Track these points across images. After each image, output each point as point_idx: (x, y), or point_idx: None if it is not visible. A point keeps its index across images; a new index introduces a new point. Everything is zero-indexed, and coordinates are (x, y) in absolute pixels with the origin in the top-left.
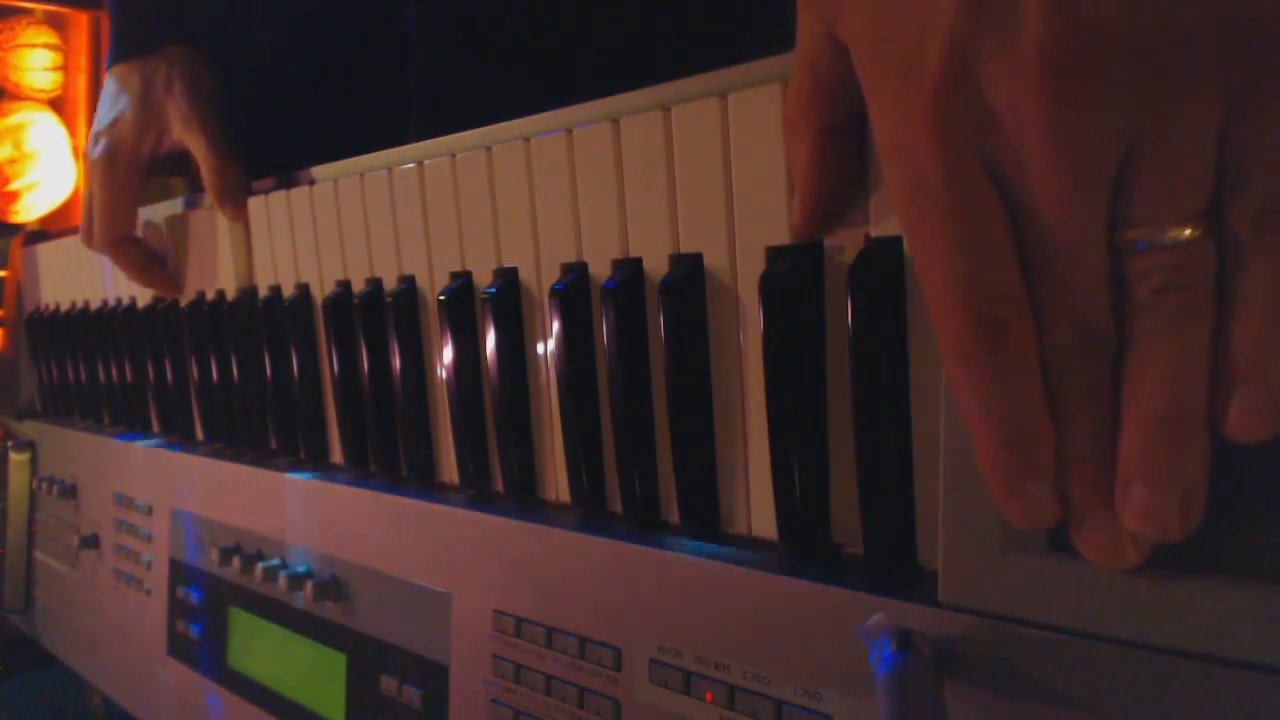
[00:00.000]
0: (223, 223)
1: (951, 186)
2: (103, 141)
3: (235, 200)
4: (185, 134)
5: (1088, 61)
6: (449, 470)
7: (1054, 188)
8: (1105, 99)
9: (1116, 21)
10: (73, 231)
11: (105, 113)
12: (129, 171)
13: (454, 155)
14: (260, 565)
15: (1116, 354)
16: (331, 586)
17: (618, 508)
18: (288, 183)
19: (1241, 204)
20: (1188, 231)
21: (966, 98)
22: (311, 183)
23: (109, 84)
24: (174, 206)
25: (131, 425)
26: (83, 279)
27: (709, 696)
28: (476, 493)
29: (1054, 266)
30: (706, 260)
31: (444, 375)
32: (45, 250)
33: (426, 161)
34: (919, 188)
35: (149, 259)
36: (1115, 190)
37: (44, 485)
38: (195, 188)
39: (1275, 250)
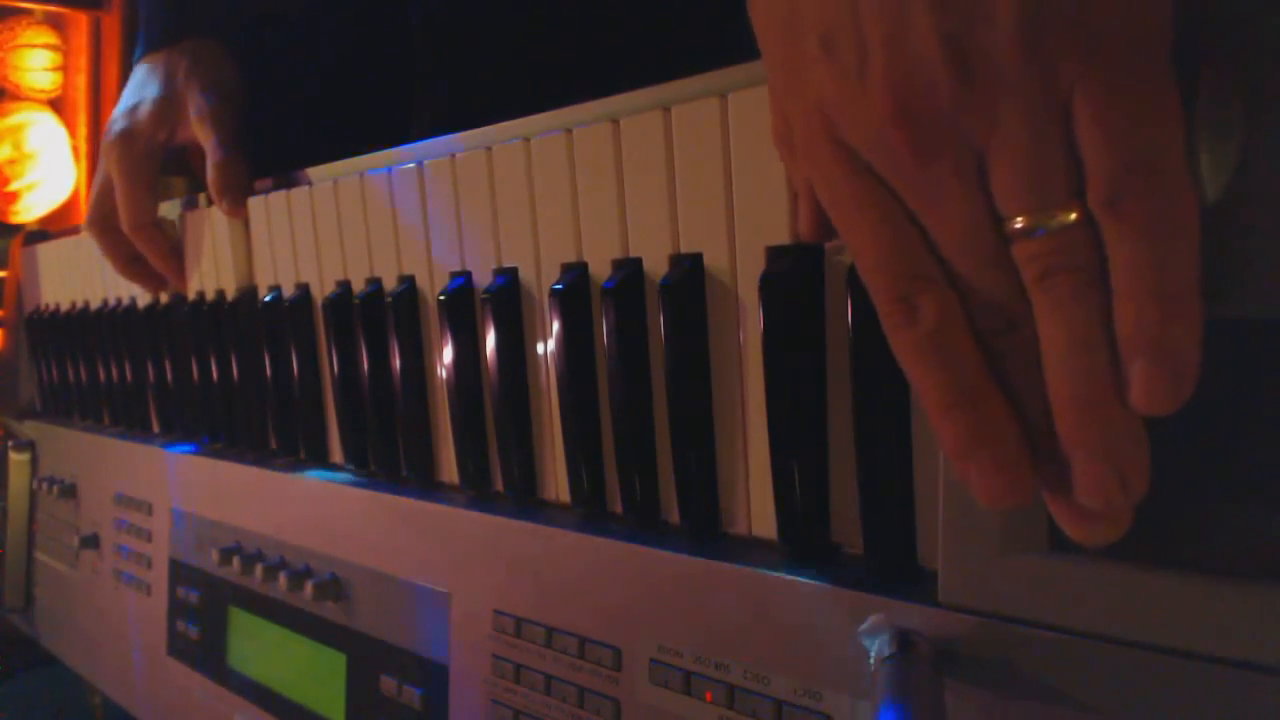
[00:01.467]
0: (223, 223)
1: (854, 194)
2: (121, 125)
3: (235, 196)
4: (198, 127)
5: (917, 84)
6: (449, 470)
7: (928, 195)
8: (939, 112)
9: (935, 50)
10: (73, 231)
11: (128, 100)
12: (145, 157)
13: (454, 155)
14: (260, 565)
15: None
16: (331, 586)
17: (618, 508)
18: (288, 183)
19: (1094, 191)
20: (1069, 216)
21: (848, 135)
22: (311, 183)
23: (135, 74)
24: (174, 207)
25: (131, 425)
26: (83, 279)
27: (709, 696)
28: (476, 493)
29: (955, 262)
30: (706, 260)
31: (444, 375)
32: (45, 250)
33: (426, 161)
34: (833, 194)
35: (173, 247)
36: (989, 187)
37: (44, 485)
38: (196, 188)
39: (1138, 230)
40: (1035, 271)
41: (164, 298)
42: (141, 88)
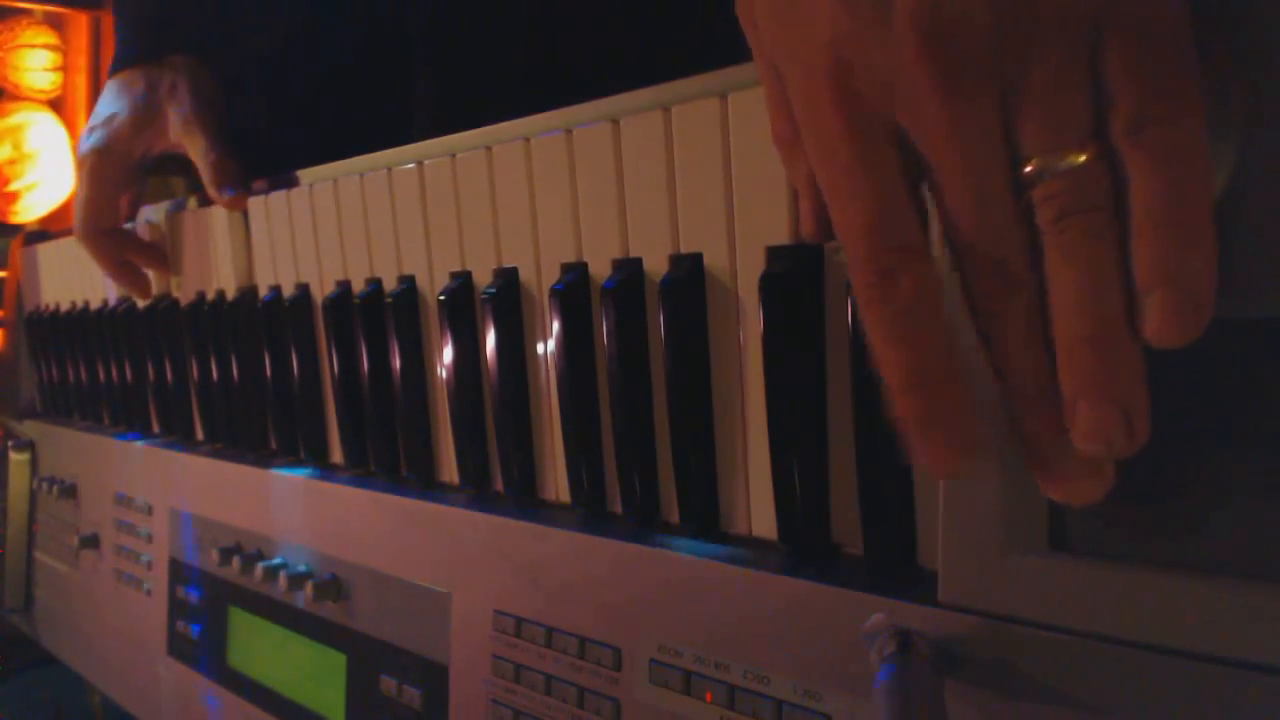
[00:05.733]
0: (222, 222)
1: (853, 153)
2: (96, 135)
3: (234, 188)
4: (185, 135)
5: (950, 18)
6: (449, 470)
7: (949, 140)
8: (972, 49)
9: None
10: (72, 231)
11: (103, 110)
12: (118, 167)
13: (454, 155)
14: (260, 565)
15: (1043, 291)
16: (331, 586)
17: (618, 508)
18: (288, 183)
19: (1119, 121)
20: (1080, 157)
21: (860, 79)
22: (311, 183)
23: (110, 86)
24: (170, 208)
25: (131, 425)
26: (83, 279)
27: (709, 696)
28: (476, 493)
29: (965, 215)
30: (706, 260)
31: (444, 375)
32: (45, 250)
33: (426, 161)
34: (828, 156)
35: (124, 259)
36: (1008, 131)
37: (44, 485)
38: (196, 188)
39: (1159, 158)
40: (1052, 213)
41: (170, 297)
42: (119, 99)
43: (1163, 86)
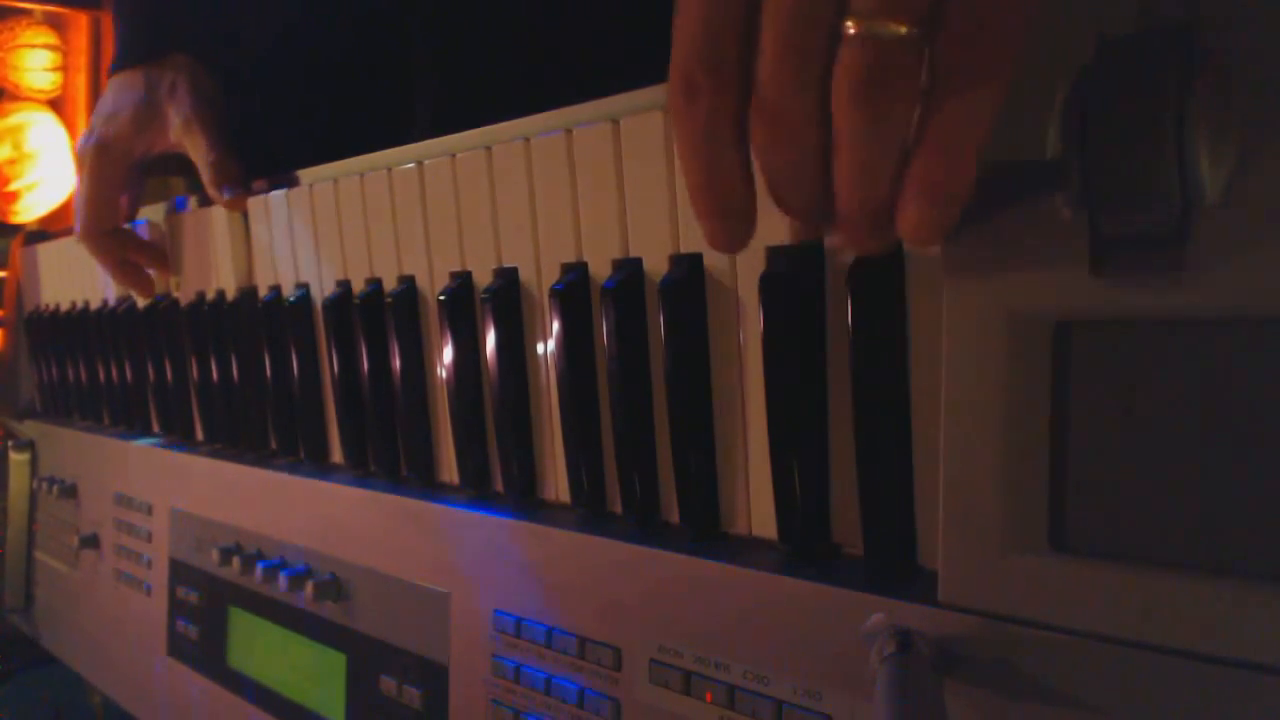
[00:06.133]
0: (222, 222)
1: None
2: (97, 134)
3: (234, 188)
4: (185, 135)
5: None
6: (449, 470)
7: None
8: None
9: None
10: (73, 232)
11: (103, 109)
12: (118, 167)
13: (454, 155)
14: (260, 565)
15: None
16: (331, 586)
17: (618, 508)
18: (288, 183)
19: (956, 21)
20: (901, 29)
21: None
22: (311, 183)
23: (110, 86)
24: (174, 207)
25: (131, 425)
26: (83, 279)
27: (709, 696)
28: (476, 493)
29: (775, 41)
30: (706, 260)
31: (444, 375)
32: (45, 250)
33: (426, 161)
34: None
35: (125, 258)
36: None
37: (44, 485)
38: (195, 188)
39: (972, 76)
40: (854, 79)
41: (170, 297)
42: (119, 98)
43: (1001, 20)
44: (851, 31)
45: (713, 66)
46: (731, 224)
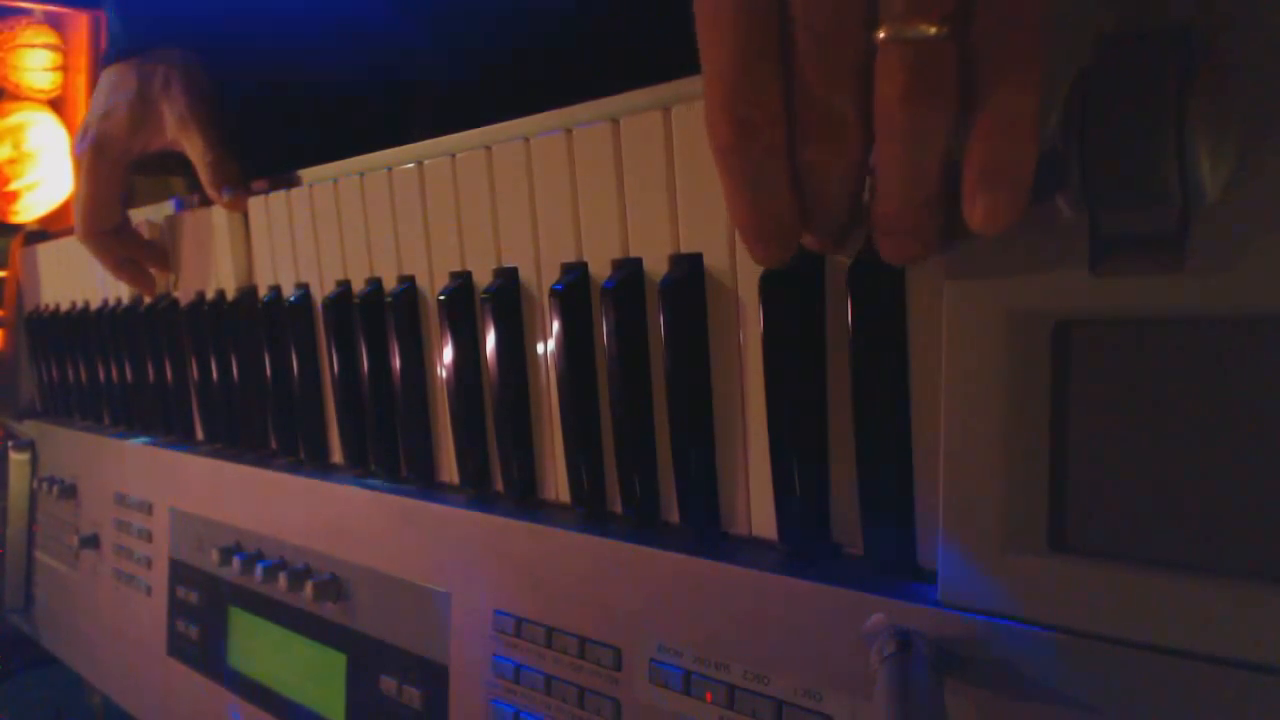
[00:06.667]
0: (222, 222)
1: (740, 11)
2: (92, 134)
3: (233, 188)
4: (181, 133)
5: None
6: (449, 470)
7: None
8: None
9: None
10: (73, 231)
11: (98, 106)
12: (116, 166)
13: (454, 155)
14: (260, 565)
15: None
16: (331, 586)
17: (618, 508)
18: (287, 183)
19: (989, 13)
20: (933, 30)
21: None
22: (311, 183)
23: (103, 80)
24: (167, 208)
25: (131, 425)
26: (83, 279)
27: (709, 696)
28: (476, 493)
29: (812, 61)
30: (706, 260)
31: (444, 375)
32: (45, 250)
33: (426, 161)
34: (716, 14)
35: (128, 257)
36: None
37: (44, 485)
38: (195, 188)
39: (1013, 58)
40: (895, 84)
41: (170, 297)
42: (113, 94)
43: (1026, 11)
44: (884, 37)
45: (761, 101)
46: (783, 245)
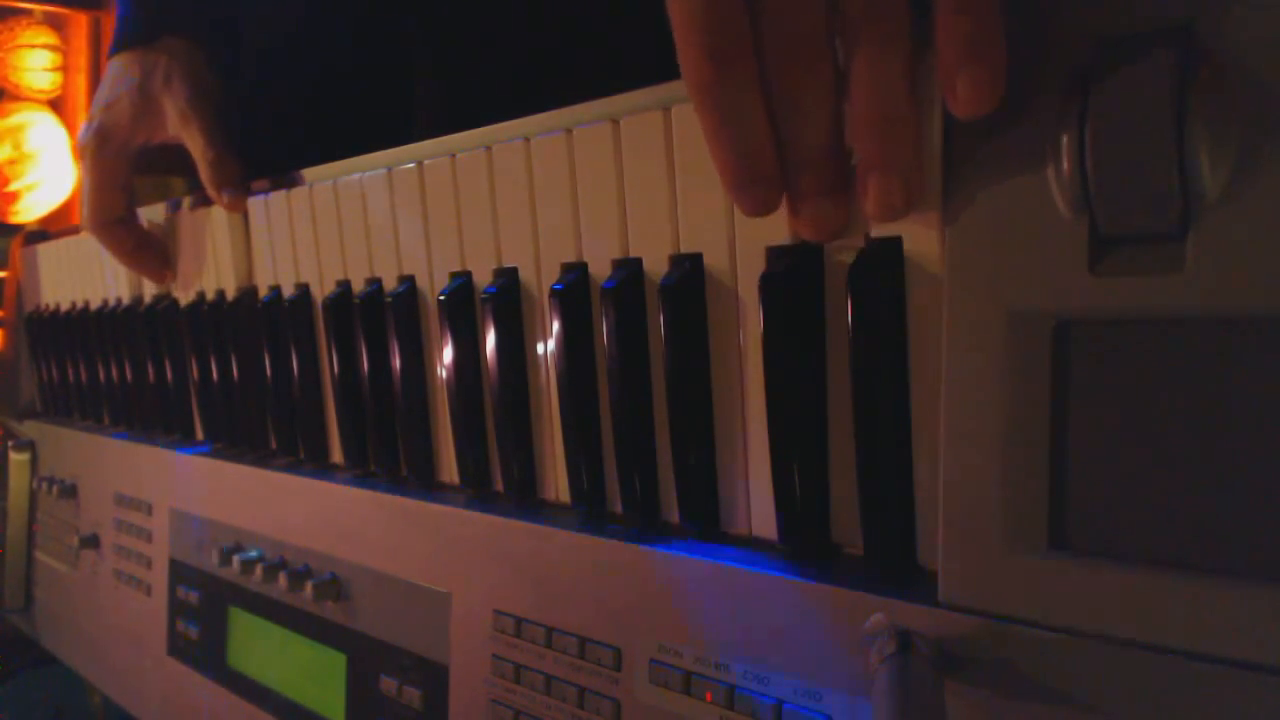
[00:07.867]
0: (222, 222)
1: None
2: (96, 124)
3: (233, 188)
4: (182, 129)
5: None
6: (449, 470)
7: None
8: None
9: None
10: (73, 231)
11: (103, 96)
12: (119, 156)
13: (454, 155)
14: (260, 565)
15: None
16: (331, 586)
17: (618, 508)
18: (287, 183)
19: None
20: None
21: None
22: (311, 183)
23: (109, 71)
24: (168, 208)
25: (131, 425)
26: (83, 279)
27: (709, 696)
28: (476, 493)
29: None
30: (706, 260)
31: (444, 375)
32: (45, 250)
33: (426, 161)
34: None
35: (138, 245)
36: None
37: (44, 485)
38: (194, 187)
39: None
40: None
41: (170, 297)
42: (116, 85)
43: None
44: None
45: (730, 32)
46: (767, 188)
